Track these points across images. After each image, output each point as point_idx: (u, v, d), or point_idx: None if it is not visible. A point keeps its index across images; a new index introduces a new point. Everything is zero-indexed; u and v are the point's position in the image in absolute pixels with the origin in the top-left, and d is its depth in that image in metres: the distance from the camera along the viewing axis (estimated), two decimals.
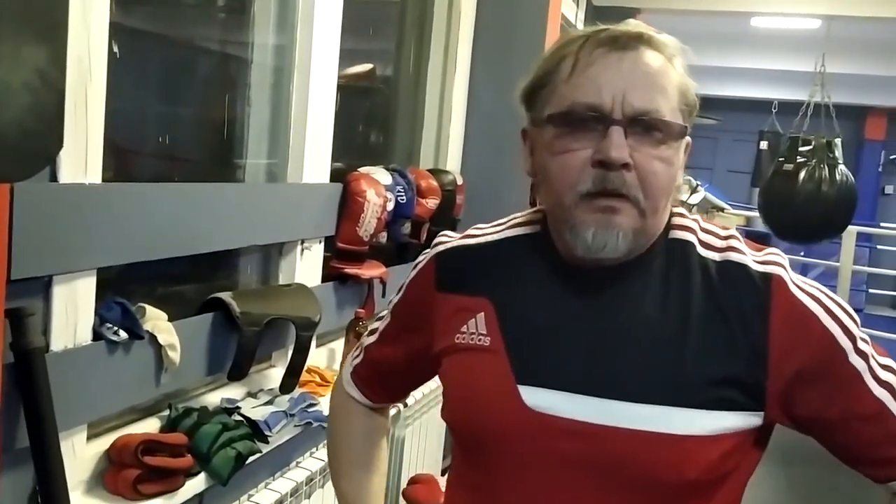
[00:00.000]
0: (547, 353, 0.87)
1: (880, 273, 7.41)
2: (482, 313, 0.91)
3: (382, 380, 1.10)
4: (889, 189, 9.86)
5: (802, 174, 4.57)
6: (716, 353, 0.83)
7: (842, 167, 4.60)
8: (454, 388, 0.93)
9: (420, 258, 1.02)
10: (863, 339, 0.86)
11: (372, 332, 1.10)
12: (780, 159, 4.71)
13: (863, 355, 0.85)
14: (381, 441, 1.14)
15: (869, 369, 0.85)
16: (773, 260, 0.86)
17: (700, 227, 0.91)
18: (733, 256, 0.87)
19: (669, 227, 0.90)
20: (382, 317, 1.09)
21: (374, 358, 1.09)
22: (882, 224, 8.90)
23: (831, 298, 0.86)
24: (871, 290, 7.80)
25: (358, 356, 1.11)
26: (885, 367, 0.87)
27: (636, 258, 0.87)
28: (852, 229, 5.31)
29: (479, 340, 0.90)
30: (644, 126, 0.82)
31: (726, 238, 0.89)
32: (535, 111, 0.89)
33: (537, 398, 0.85)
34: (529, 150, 0.92)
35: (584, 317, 0.87)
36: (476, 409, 0.89)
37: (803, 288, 0.85)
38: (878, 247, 8.19)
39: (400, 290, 1.05)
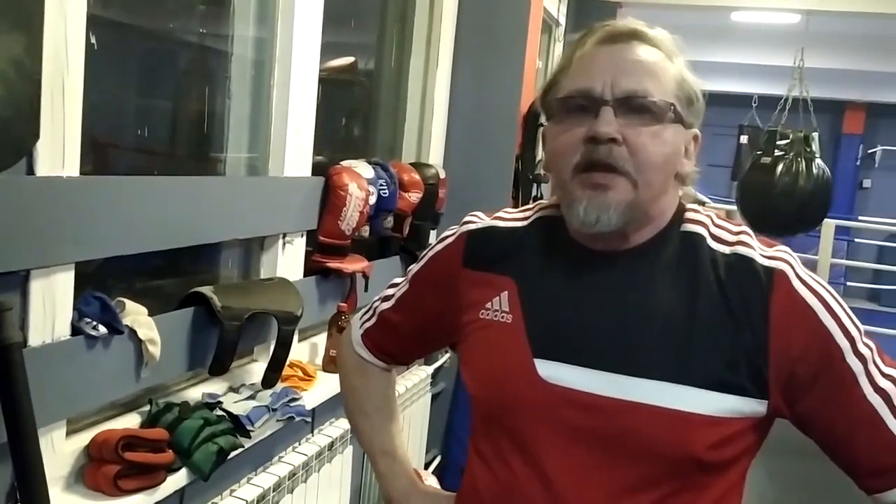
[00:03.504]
0: (562, 330, 0.93)
1: (858, 266, 7.51)
2: (506, 292, 0.97)
3: (395, 344, 1.17)
4: (867, 183, 9.98)
5: (780, 167, 4.61)
6: (722, 339, 0.87)
7: (818, 161, 4.64)
8: (478, 361, 1.00)
9: (447, 233, 1.09)
10: (865, 344, 0.88)
11: (387, 298, 1.16)
12: (758, 152, 4.75)
13: (861, 358, 0.87)
14: (394, 394, 1.24)
15: (866, 373, 0.87)
16: (780, 256, 0.90)
17: (713, 222, 0.95)
18: (741, 250, 0.91)
19: (683, 220, 0.95)
20: (398, 283, 1.16)
21: (389, 322, 1.15)
22: (860, 217, 8.99)
23: (835, 297, 0.88)
24: (848, 283, 7.88)
25: (369, 319, 1.17)
26: (887, 376, 0.88)
27: (648, 245, 0.93)
28: (830, 222, 5.37)
29: (502, 317, 0.96)
30: (634, 107, 0.88)
31: (738, 234, 0.94)
32: (547, 108, 0.96)
33: (551, 371, 0.91)
34: (544, 145, 0.98)
35: (598, 297, 0.92)
36: (496, 381, 0.96)
37: (808, 283, 0.88)
38: (856, 240, 8.28)
39: (422, 259, 1.12)
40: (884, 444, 0.87)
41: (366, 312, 1.19)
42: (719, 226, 0.95)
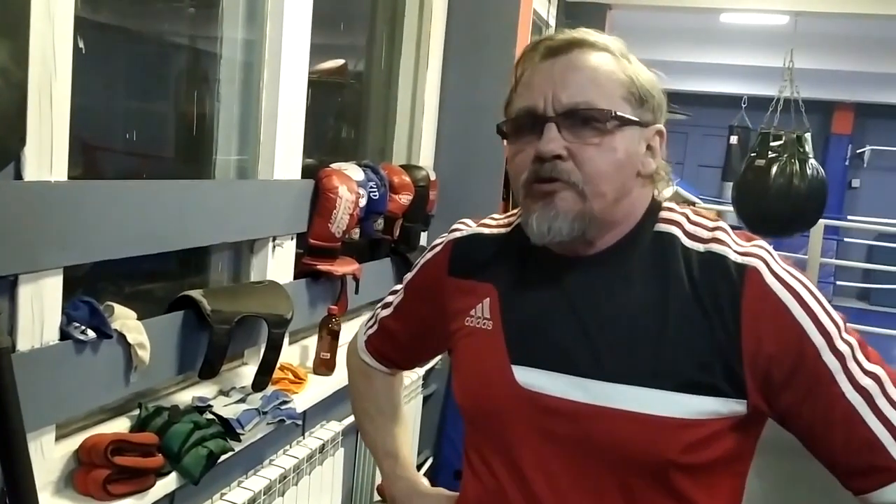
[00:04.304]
0: (538, 336, 0.93)
1: (847, 265, 7.55)
2: (488, 299, 0.99)
3: (396, 350, 1.20)
4: (856, 182, 10.03)
5: (774, 169, 4.63)
6: (694, 340, 0.87)
7: (812, 161, 4.66)
8: (462, 369, 1.02)
9: (437, 241, 1.11)
10: (845, 341, 0.85)
11: (387, 305, 1.19)
12: (752, 154, 4.77)
13: (839, 355, 0.84)
14: (399, 397, 1.26)
15: (844, 370, 0.85)
16: (754, 252, 0.88)
17: (689, 219, 0.95)
18: (715, 248, 0.90)
19: (657, 220, 0.95)
20: (397, 290, 1.18)
21: (388, 329, 1.18)
22: (849, 217, 9.05)
23: (811, 292, 0.86)
24: (838, 282, 7.93)
25: (372, 326, 1.21)
26: (869, 373, 0.85)
27: (619, 249, 0.93)
28: (820, 222, 5.40)
29: (484, 324, 0.98)
30: (578, 118, 0.89)
31: (713, 230, 0.92)
32: (502, 130, 0.98)
33: (528, 377, 0.92)
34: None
35: (569, 302, 0.93)
36: (478, 387, 0.98)
37: (782, 278, 0.86)
38: (846, 239, 8.33)
39: (415, 267, 1.14)
40: (864, 443, 0.85)
41: (370, 318, 1.23)
42: (695, 223, 0.94)
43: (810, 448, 0.90)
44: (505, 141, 0.98)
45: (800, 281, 0.87)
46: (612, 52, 0.92)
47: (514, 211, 1.05)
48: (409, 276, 1.15)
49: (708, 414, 0.86)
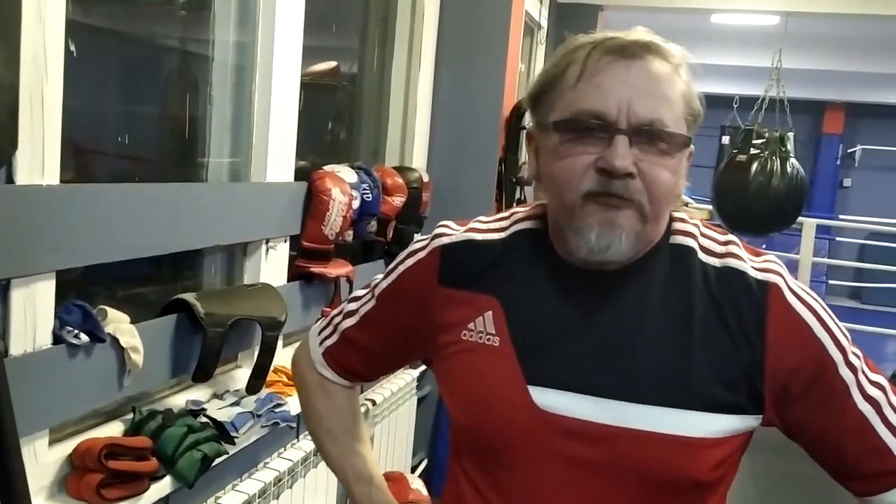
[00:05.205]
0: (555, 355, 0.88)
1: (839, 264, 7.58)
2: (490, 312, 0.91)
3: (362, 363, 1.08)
4: (847, 182, 10.08)
5: (754, 166, 4.66)
6: (718, 358, 0.85)
7: (793, 160, 4.69)
8: (464, 388, 0.93)
9: (417, 245, 1.00)
10: (854, 354, 0.88)
11: (349, 314, 1.07)
12: (735, 150, 4.80)
13: (852, 368, 0.87)
14: (360, 413, 1.16)
15: (857, 383, 0.87)
16: (771, 268, 0.88)
17: (700, 231, 0.92)
18: (733, 263, 0.88)
19: (671, 231, 0.91)
20: (360, 297, 1.06)
21: (353, 340, 1.06)
22: (840, 216, 9.09)
23: (825, 310, 0.88)
24: (830, 282, 7.96)
25: (330, 336, 1.08)
26: (875, 384, 0.88)
27: (638, 262, 0.88)
28: (812, 221, 5.42)
29: (488, 340, 0.90)
30: (648, 136, 0.83)
31: (725, 244, 0.91)
32: (540, 115, 0.89)
33: (547, 399, 0.86)
34: (534, 153, 0.92)
35: (591, 319, 0.88)
36: (487, 410, 0.90)
37: (800, 296, 0.87)
38: (837, 238, 8.37)
39: (389, 274, 1.03)
40: (873, 451, 0.87)
41: (324, 328, 1.10)
42: (707, 236, 0.92)
43: (817, 455, 0.91)
44: (530, 124, 0.90)
45: (815, 299, 0.88)
46: (680, 63, 0.87)
47: (504, 214, 0.99)
48: (381, 283, 1.04)
49: (731, 432, 0.86)
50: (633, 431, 0.84)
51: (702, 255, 0.90)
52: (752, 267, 0.88)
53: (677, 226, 0.92)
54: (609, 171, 0.82)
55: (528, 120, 3.43)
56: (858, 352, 0.89)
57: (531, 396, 0.87)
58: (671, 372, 0.85)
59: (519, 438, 0.88)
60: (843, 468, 0.90)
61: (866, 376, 0.88)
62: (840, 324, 0.88)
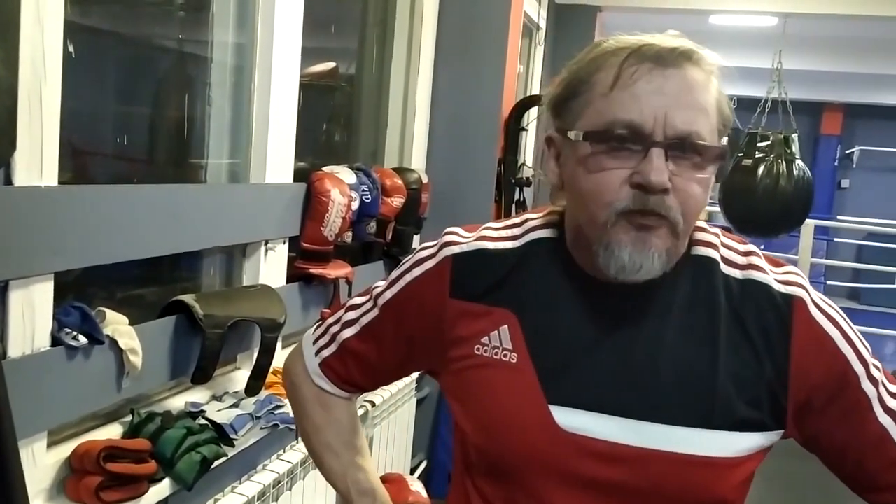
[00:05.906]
0: (577, 373, 0.84)
1: (837, 265, 7.59)
2: (505, 326, 0.87)
3: (364, 374, 1.03)
4: (845, 183, 10.09)
5: (761, 169, 4.65)
6: (742, 375, 0.84)
7: (799, 162, 4.69)
8: (480, 407, 0.89)
9: (424, 254, 0.95)
10: (875, 366, 0.87)
11: (348, 324, 1.01)
12: (739, 154, 4.79)
13: (874, 382, 0.86)
14: (360, 424, 1.11)
15: (878, 396, 0.86)
16: (795, 280, 0.87)
17: (721, 241, 0.90)
18: (755, 275, 0.87)
19: (692, 241, 0.88)
20: (360, 305, 1.01)
21: (354, 351, 1.01)
22: (838, 217, 9.10)
23: (848, 323, 0.87)
24: (828, 282, 7.96)
25: (327, 346, 1.03)
26: (894, 396, 0.88)
27: (663, 277, 0.84)
28: (810, 222, 5.43)
29: (504, 356, 0.87)
30: (684, 149, 0.80)
31: (746, 254, 0.89)
32: (566, 121, 0.85)
33: (570, 419, 0.84)
34: (555, 158, 0.88)
35: (613, 335, 0.85)
36: (507, 431, 0.86)
37: (823, 309, 0.86)
38: (835, 239, 8.38)
39: (394, 283, 0.97)
40: (893, 463, 0.87)
41: (320, 337, 1.05)
42: (727, 246, 0.90)
43: (835, 466, 0.91)
44: (551, 136, 0.87)
45: (838, 312, 0.87)
46: (713, 70, 0.83)
47: (516, 221, 0.95)
48: (385, 292, 0.98)
49: (755, 449, 0.85)
50: (660, 453, 0.82)
51: (724, 267, 0.87)
52: (776, 280, 0.86)
53: (698, 235, 0.89)
54: (645, 187, 0.78)
55: (527, 120, 3.45)
56: (878, 364, 0.88)
57: (553, 417, 0.84)
58: (696, 391, 0.83)
59: (540, 460, 0.85)
60: (862, 479, 0.90)
61: (886, 389, 0.87)
62: (862, 338, 0.87)
